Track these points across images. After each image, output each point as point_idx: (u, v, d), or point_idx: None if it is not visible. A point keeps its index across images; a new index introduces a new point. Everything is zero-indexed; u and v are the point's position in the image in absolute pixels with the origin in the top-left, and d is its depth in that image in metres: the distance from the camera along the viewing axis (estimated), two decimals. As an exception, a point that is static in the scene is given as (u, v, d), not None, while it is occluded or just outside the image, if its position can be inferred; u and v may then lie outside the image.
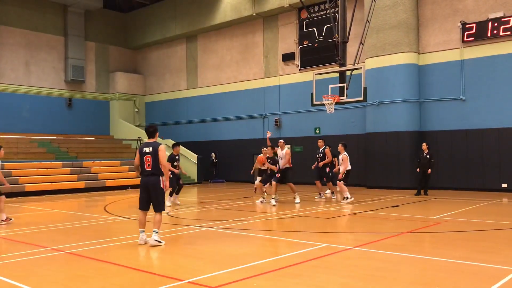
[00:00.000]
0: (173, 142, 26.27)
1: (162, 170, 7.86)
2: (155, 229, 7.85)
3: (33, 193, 18.80)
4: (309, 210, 12.59)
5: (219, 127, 25.98)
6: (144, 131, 27.68)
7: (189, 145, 25.89)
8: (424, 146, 16.13)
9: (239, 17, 24.46)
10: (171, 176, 13.85)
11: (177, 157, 14.06)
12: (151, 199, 7.95)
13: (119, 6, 30.09)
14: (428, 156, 15.90)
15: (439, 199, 15.03)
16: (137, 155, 8.01)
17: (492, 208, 12.77)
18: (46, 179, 19.92)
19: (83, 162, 22.21)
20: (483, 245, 7.82)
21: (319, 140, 15.79)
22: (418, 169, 16.18)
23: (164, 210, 8.14)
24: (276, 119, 23.69)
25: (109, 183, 21.30)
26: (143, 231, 8.00)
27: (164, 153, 7.86)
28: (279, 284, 5.59)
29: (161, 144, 7.88)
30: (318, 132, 21.99)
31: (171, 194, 14.03)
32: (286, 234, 9.21)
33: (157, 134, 8.11)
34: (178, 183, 14.22)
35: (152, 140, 8.04)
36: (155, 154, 7.79)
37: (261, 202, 14.33)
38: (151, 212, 8.13)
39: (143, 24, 29.40)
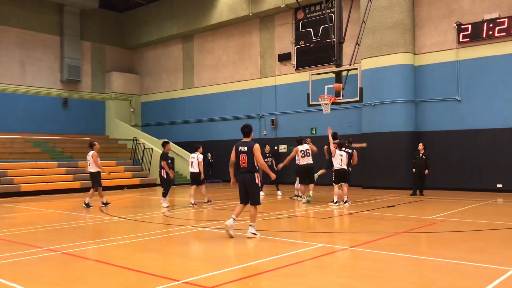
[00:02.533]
0: (174, 142, 26.44)
1: (261, 166, 8.41)
2: (251, 223, 8.51)
3: (28, 193, 18.73)
4: (305, 211, 12.60)
5: (215, 127, 25.95)
6: (140, 131, 27.84)
7: (185, 145, 25.85)
8: (420, 146, 16.14)
9: (235, 17, 24.45)
10: (166, 176, 13.94)
11: (169, 155, 14.16)
12: (248, 194, 8.49)
13: (115, 5, 30.01)
14: (424, 157, 15.91)
15: (434, 199, 15.07)
16: (234, 152, 8.48)
17: (487, 208, 12.82)
18: (41, 179, 19.85)
19: (79, 162, 22.13)
20: (479, 245, 7.84)
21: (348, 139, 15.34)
22: (414, 170, 16.19)
23: (259, 204, 8.61)
24: (272, 119, 23.69)
25: (105, 183, 21.17)
26: (234, 218, 8.52)
27: (259, 152, 8.32)
28: (275, 284, 5.59)
29: (256, 143, 8.37)
30: (314, 132, 22.01)
31: (164, 195, 13.86)
32: (282, 234, 9.21)
33: (252, 133, 8.61)
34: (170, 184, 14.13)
35: (247, 139, 8.52)
36: (250, 152, 8.30)
37: (307, 201, 14.12)
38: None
39: (139, 24, 29.34)
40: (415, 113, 19.08)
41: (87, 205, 13.80)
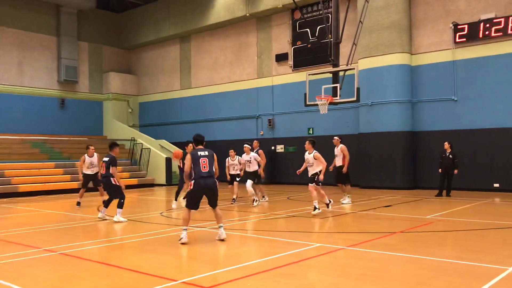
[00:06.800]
0: (167, 142, 26.57)
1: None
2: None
3: (26, 193, 18.72)
4: (301, 210, 12.63)
5: (212, 127, 25.95)
6: (138, 132, 27.83)
7: (183, 146, 25.76)
8: (446, 145, 15.54)
9: (232, 18, 24.46)
10: (118, 184, 11.25)
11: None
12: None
13: (112, 6, 29.98)
14: (451, 156, 15.39)
15: (431, 199, 15.11)
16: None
17: (484, 208, 12.86)
18: (39, 180, 19.84)
19: (76, 162, 22.09)
20: (475, 244, 7.88)
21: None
22: (440, 170, 15.61)
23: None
24: (269, 120, 23.72)
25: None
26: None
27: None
28: (273, 284, 5.62)
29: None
30: (311, 132, 22.04)
31: (106, 206, 11.60)
32: (279, 234, 9.23)
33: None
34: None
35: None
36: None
37: (347, 202, 13.99)
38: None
39: (136, 24, 29.32)
40: (412, 113, 19.13)
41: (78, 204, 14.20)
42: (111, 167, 11.02)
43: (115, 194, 11.23)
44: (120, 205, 11.07)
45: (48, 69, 26.80)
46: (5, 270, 6.45)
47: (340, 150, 14.03)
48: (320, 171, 11.42)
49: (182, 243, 7.91)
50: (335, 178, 14.33)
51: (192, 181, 8.07)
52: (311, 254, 7.13)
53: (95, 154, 14.42)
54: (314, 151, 11.49)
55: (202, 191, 8.14)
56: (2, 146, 22.26)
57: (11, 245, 8.32)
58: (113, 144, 11.58)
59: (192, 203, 8.22)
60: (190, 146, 12.56)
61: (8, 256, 7.32)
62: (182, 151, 11.49)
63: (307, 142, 11.69)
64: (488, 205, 13.50)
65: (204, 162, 8.10)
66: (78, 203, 14.43)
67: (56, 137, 25.51)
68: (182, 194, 13.19)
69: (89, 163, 14.30)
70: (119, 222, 10.85)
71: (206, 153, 8.26)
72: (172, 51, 28.53)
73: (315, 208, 11.36)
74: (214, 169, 8.32)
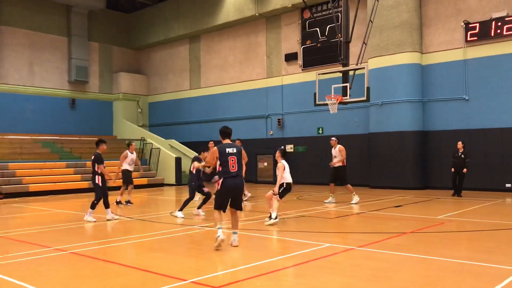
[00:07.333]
0: (177, 142, 26.63)
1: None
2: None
3: (37, 193, 18.86)
4: (312, 210, 12.59)
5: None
6: (147, 132, 27.94)
7: (192, 145, 25.91)
8: (460, 144, 15.53)
9: (242, 17, 24.46)
10: (101, 184, 11.20)
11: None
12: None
13: (122, 6, 30.13)
14: (463, 156, 15.35)
15: (442, 199, 15.00)
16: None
17: (495, 208, 12.74)
18: (50, 179, 19.98)
19: (87, 162, 22.19)
20: (487, 245, 7.80)
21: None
22: (452, 169, 15.58)
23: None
24: (279, 119, 23.69)
25: (111, 183, 21.29)
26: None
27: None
28: (282, 284, 5.60)
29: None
30: (321, 132, 21.97)
31: (93, 207, 11.25)
32: (289, 234, 9.20)
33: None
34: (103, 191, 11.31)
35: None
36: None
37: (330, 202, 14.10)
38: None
39: (146, 25, 29.44)
40: (423, 112, 18.99)
41: (119, 203, 14.27)
42: (96, 165, 11.05)
43: (95, 192, 11.34)
44: (93, 206, 11.12)
45: (58, 69, 26.99)
46: (17, 269, 6.49)
47: (338, 151, 14.05)
48: (283, 183, 10.43)
49: (219, 244, 7.35)
50: (330, 178, 14.31)
51: (220, 181, 7.53)
52: (321, 254, 7.10)
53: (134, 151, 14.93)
54: (283, 160, 10.55)
55: (231, 191, 7.58)
56: (13, 145, 22.45)
57: (22, 244, 8.38)
58: (99, 141, 11.50)
59: (221, 204, 7.62)
60: (205, 153, 11.79)
61: (19, 255, 7.37)
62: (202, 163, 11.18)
63: (277, 152, 10.71)
64: (500, 206, 13.36)
65: (232, 160, 7.52)
66: (119, 202, 14.39)
67: (66, 137, 25.69)
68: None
69: (130, 159, 14.62)
70: (87, 221, 10.99)
71: (235, 150, 7.63)
72: (182, 51, 28.60)
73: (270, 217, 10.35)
74: (241, 168, 7.69)
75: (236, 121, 25.38)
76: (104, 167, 11.13)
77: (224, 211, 7.72)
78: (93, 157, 11.16)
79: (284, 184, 10.42)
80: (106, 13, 29.11)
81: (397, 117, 18.84)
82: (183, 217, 11.30)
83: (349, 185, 14.02)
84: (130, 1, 29.90)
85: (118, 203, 14.32)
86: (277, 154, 10.62)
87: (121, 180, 14.59)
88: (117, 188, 15.71)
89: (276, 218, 10.17)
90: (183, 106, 28.40)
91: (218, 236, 7.34)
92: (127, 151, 14.73)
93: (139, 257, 7.26)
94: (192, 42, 28.06)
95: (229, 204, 7.73)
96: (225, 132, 7.75)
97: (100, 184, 11.09)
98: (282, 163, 10.46)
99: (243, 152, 9.04)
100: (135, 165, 14.97)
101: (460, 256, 6.82)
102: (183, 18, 27.38)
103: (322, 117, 21.44)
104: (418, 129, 18.84)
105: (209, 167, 10.62)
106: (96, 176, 11.07)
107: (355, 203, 13.73)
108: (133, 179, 15.27)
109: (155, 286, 5.58)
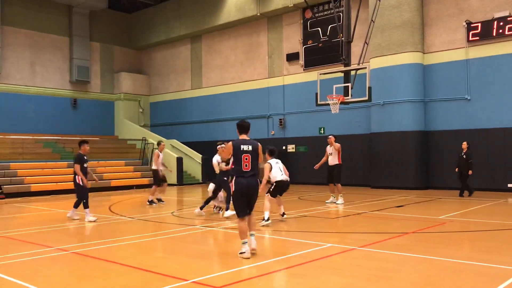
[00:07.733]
0: (178, 142, 26.63)
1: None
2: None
3: (39, 193, 18.89)
4: (313, 210, 12.58)
5: (223, 127, 25.96)
6: (149, 132, 27.95)
7: (194, 145, 25.92)
8: (464, 145, 15.42)
9: (243, 17, 24.46)
10: (81, 183, 11.27)
11: (85, 158, 11.55)
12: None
13: (123, 6, 30.15)
14: (465, 156, 15.25)
15: (444, 199, 14.98)
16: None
17: (497, 208, 12.72)
18: (51, 179, 20.00)
19: (88, 162, 22.26)
20: (488, 245, 7.78)
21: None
22: (456, 169, 15.55)
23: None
24: (280, 119, 23.68)
25: (114, 183, 21.38)
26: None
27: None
28: (284, 284, 5.59)
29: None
30: (322, 132, 21.96)
31: (76, 206, 11.43)
32: (290, 234, 9.20)
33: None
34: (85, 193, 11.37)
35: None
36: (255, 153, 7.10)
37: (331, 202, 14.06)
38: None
39: (147, 25, 29.45)
40: (424, 112, 18.97)
41: (151, 202, 14.33)
42: (74, 165, 11.26)
43: (77, 192, 11.48)
44: (76, 205, 11.31)
45: (60, 69, 27.02)
46: (18, 269, 6.49)
47: (335, 148, 13.89)
48: (275, 182, 10.39)
49: (244, 258, 6.71)
50: (328, 178, 14.16)
51: (233, 181, 7.08)
52: (322, 254, 7.09)
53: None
54: (271, 160, 10.40)
55: (245, 191, 6.96)
56: (15, 145, 22.47)
57: (24, 244, 8.39)
58: (81, 142, 11.63)
59: (240, 210, 7.00)
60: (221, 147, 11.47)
61: (21, 255, 7.38)
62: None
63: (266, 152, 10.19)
64: (502, 206, 13.33)
65: (246, 159, 6.96)
66: (151, 202, 14.40)
67: (68, 137, 25.68)
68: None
69: (161, 158, 14.60)
70: (71, 219, 11.24)
71: (250, 147, 7.01)
72: (183, 51, 28.60)
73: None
74: (257, 167, 7.08)
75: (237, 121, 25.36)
76: (87, 167, 11.37)
77: (249, 214, 7.09)
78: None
79: (274, 183, 10.37)
80: (107, 13, 29.12)
81: (398, 117, 18.81)
82: (232, 213, 10.52)
83: (339, 185, 13.90)
84: (132, 1, 29.92)
85: (151, 202, 14.35)
86: (266, 154, 10.24)
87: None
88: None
89: (268, 219, 9.88)
90: (184, 106, 28.41)
91: (244, 252, 6.74)
92: (158, 151, 14.83)
93: (140, 257, 7.26)
94: (193, 42, 28.06)
95: None
96: (243, 126, 7.20)
97: (81, 183, 11.20)
98: (269, 163, 10.26)
99: (260, 150, 7.33)
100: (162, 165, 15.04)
101: (462, 256, 6.81)
102: (185, 18, 27.38)
103: (323, 117, 21.43)
104: (420, 129, 18.81)
105: (227, 164, 10.87)
106: (76, 177, 11.26)
107: (341, 204, 13.68)
108: (136, 179, 15.28)
109: (156, 286, 5.58)
